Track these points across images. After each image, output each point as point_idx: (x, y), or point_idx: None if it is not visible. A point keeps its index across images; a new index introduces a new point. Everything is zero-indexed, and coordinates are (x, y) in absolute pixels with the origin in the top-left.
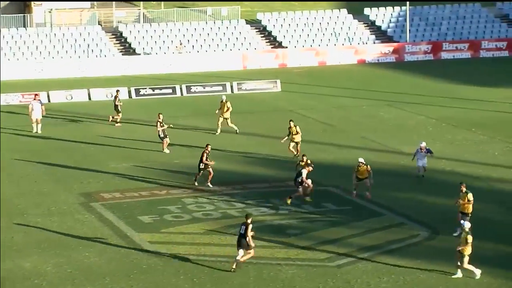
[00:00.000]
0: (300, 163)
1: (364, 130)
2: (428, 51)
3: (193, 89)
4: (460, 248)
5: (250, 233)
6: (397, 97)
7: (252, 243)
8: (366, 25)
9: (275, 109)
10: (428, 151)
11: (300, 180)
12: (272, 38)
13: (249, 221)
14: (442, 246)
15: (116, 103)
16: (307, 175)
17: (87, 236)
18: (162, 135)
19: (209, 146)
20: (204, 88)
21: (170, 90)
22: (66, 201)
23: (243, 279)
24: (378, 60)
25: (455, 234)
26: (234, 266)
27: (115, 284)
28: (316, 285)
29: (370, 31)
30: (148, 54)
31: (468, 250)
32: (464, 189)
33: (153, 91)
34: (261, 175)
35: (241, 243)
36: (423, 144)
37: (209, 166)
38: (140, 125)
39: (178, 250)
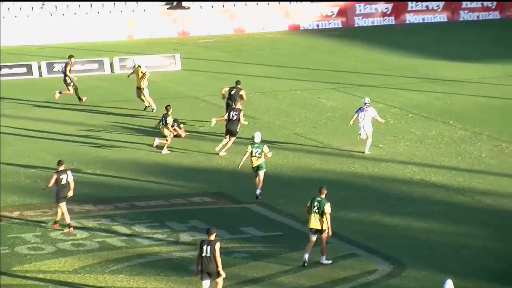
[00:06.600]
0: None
1: (298, 124)
2: (388, 12)
3: (57, 67)
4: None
5: (218, 255)
6: (342, 77)
7: (221, 271)
8: None
9: (174, 96)
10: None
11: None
12: None
13: (212, 237)
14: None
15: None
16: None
17: None
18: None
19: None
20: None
21: (23, 69)
22: None
23: None
24: (317, 25)
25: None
26: None
27: None
28: None
29: None
30: None
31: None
32: (323, 197)
33: None
34: (155, 189)
35: (208, 270)
36: (367, 100)
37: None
38: None
39: None
